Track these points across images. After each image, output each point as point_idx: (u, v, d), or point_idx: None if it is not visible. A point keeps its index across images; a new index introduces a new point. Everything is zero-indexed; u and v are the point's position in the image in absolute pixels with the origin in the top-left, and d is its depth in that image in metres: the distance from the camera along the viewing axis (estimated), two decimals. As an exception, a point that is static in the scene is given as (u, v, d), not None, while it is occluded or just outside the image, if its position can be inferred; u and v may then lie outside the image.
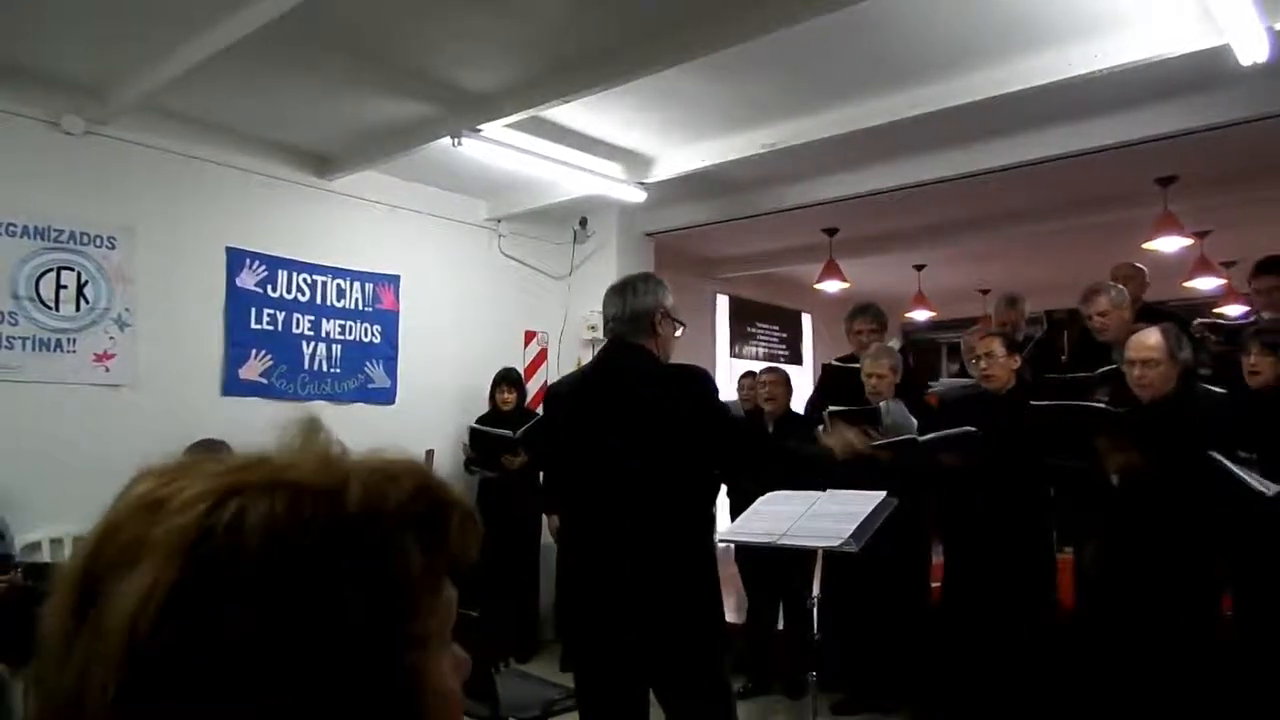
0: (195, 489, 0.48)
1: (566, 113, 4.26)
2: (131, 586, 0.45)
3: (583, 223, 6.08)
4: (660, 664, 2.38)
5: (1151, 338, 3.34)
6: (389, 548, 0.50)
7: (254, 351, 4.77)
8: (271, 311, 4.86)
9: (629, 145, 4.87)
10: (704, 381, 2.49)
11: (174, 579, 0.45)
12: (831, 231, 6.65)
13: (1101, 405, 3.56)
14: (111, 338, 4.24)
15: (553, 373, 6.12)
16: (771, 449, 3.36)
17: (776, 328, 9.58)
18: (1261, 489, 2.91)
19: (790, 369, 5.34)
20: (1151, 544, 3.21)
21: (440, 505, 0.53)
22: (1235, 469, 2.94)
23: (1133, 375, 3.36)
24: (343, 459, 0.53)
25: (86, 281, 4.17)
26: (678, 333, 2.60)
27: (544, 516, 5.35)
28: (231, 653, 0.44)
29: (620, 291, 2.56)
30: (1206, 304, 7.13)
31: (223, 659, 0.44)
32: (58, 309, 4.08)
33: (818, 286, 7.03)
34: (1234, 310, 6.49)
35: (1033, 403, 3.70)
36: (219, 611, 0.45)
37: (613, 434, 2.44)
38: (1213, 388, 3.62)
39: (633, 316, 2.51)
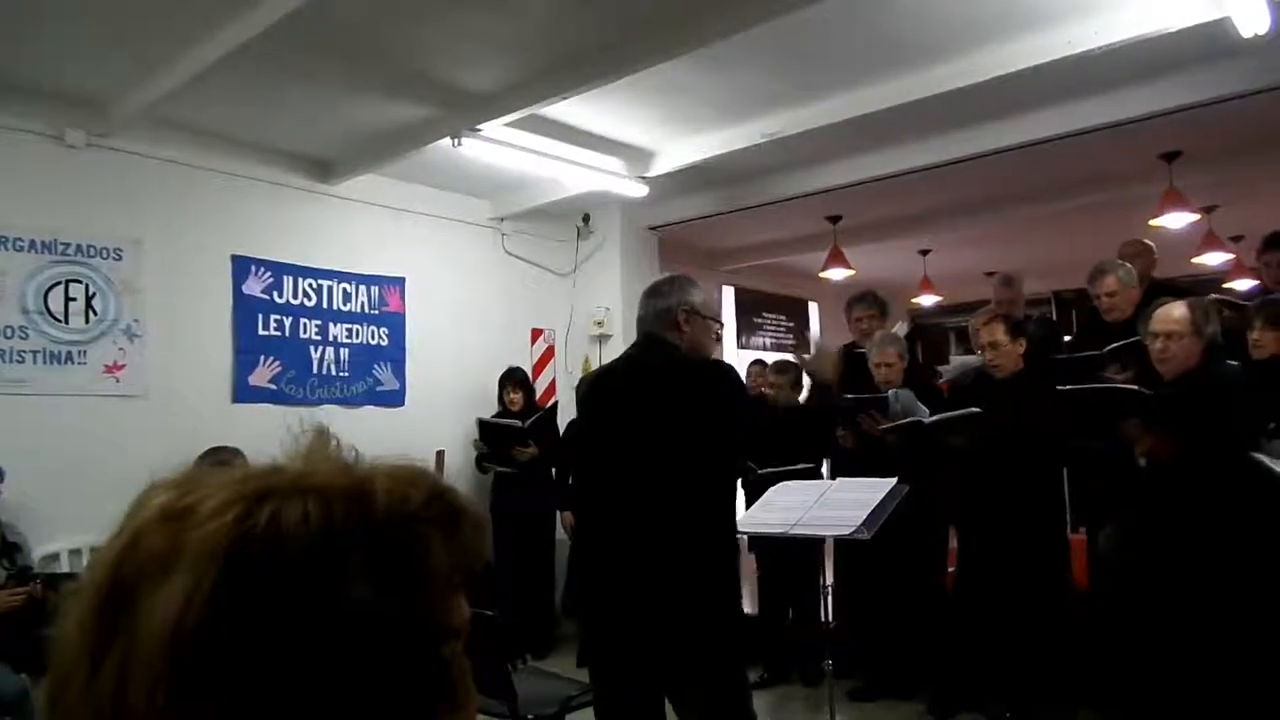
0: (222, 496, 0.48)
1: (565, 109, 4.25)
2: (171, 592, 0.46)
3: (585, 219, 6.08)
4: (674, 657, 2.38)
5: (1177, 310, 3.24)
6: (419, 546, 0.51)
7: (262, 358, 4.79)
8: (279, 317, 4.88)
9: (629, 140, 4.85)
10: (727, 374, 2.55)
11: (215, 581, 0.45)
12: (835, 219, 6.62)
13: (1132, 387, 3.43)
14: (121, 349, 4.26)
15: (560, 369, 6.13)
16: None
17: (783, 317, 9.56)
18: None
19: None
20: (1176, 526, 3.14)
21: (453, 509, 0.54)
22: (1274, 466, 2.84)
23: (1154, 349, 3.25)
24: (359, 464, 0.54)
25: (95, 293, 4.19)
26: (715, 332, 2.64)
27: (558, 512, 5.36)
28: (276, 651, 0.45)
29: (649, 294, 2.63)
30: (1216, 279, 7.09)
31: (268, 657, 0.45)
32: (67, 322, 4.10)
33: (823, 275, 6.99)
34: (1243, 285, 6.44)
35: (1060, 387, 3.54)
36: (262, 611, 0.46)
37: (630, 426, 2.46)
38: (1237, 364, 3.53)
39: (656, 315, 2.57)
